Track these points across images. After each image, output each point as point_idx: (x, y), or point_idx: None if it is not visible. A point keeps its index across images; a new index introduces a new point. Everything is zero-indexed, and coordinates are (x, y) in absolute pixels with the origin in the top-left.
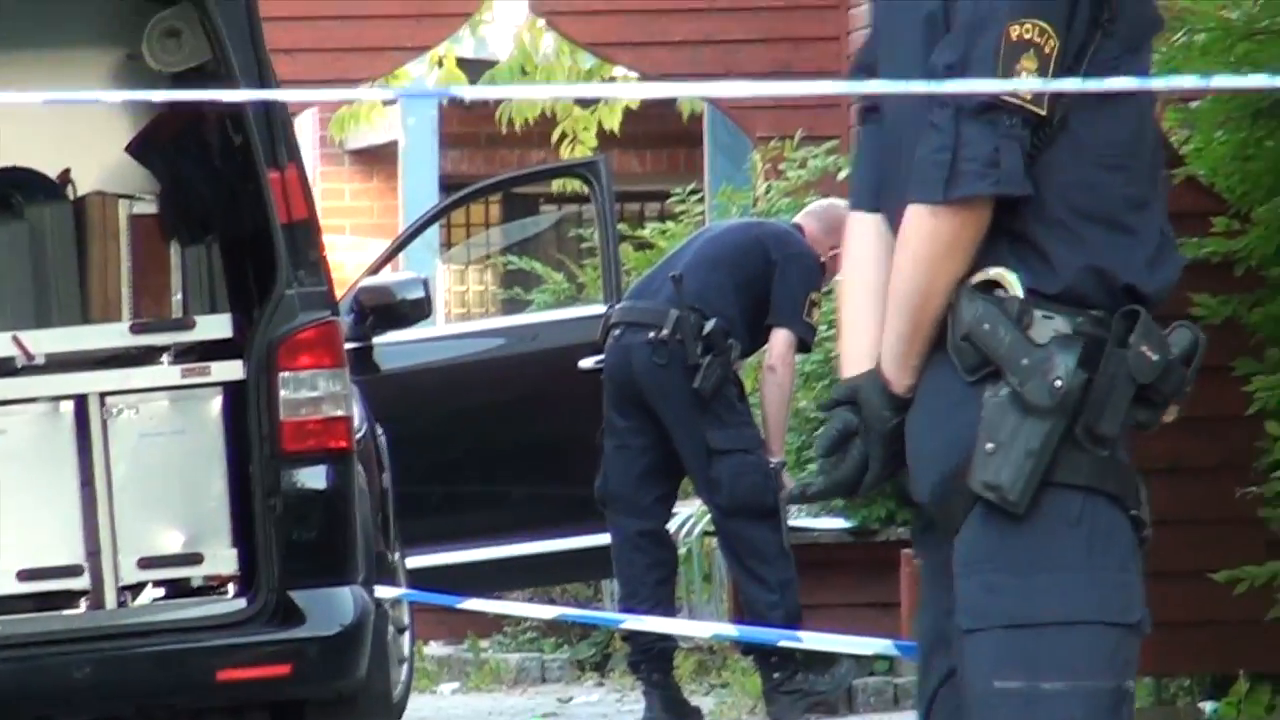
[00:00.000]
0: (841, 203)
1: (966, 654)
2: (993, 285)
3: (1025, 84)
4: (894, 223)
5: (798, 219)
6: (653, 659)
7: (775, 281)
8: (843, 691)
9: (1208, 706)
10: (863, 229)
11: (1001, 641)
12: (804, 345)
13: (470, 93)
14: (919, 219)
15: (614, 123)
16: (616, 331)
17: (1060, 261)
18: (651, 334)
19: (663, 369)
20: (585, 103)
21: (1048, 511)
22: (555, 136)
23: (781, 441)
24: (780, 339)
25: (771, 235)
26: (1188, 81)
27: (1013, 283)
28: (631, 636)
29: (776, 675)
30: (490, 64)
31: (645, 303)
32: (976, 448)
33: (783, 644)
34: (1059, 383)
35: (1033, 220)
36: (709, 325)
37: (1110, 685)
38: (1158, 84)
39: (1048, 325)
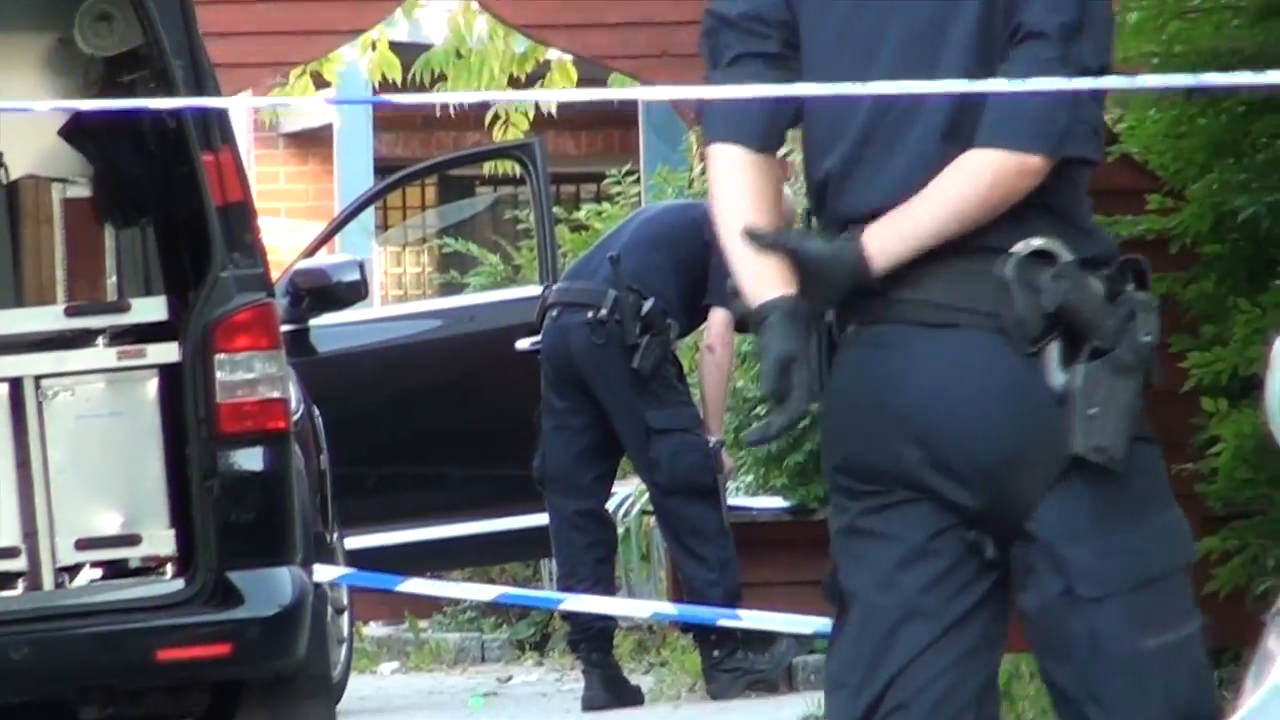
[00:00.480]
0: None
1: (1096, 620)
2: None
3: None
4: (818, 156)
5: None
6: (592, 638)
7: (712, 261)
8: (783, 669)
9: None
10: (732, 161)
11: (1133, 603)
12: (742, 325)
13: (405, 99)
14: (1009, 163)
15: (550, 105)
16: (554, 312)
17: (1094, 228)
18: (590, 314)
19: (601, 349)
20: (520, 85)
21: (1137, 466)
22: (489, 119)
23: (720, 420)
24: (718, 318)
25: (707, 215)
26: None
27: (1065, 252)
28: (571, 616)
29: (716, 653)
30: (424, 47)
31: (583, 283)
32: (1073, 416)
33: (722, 623)
34: (1148, 338)
35: (1067, 190)
36: (647, 305)
37: (1202, 619)
38: (1152, 81)
39: (1102, 288)
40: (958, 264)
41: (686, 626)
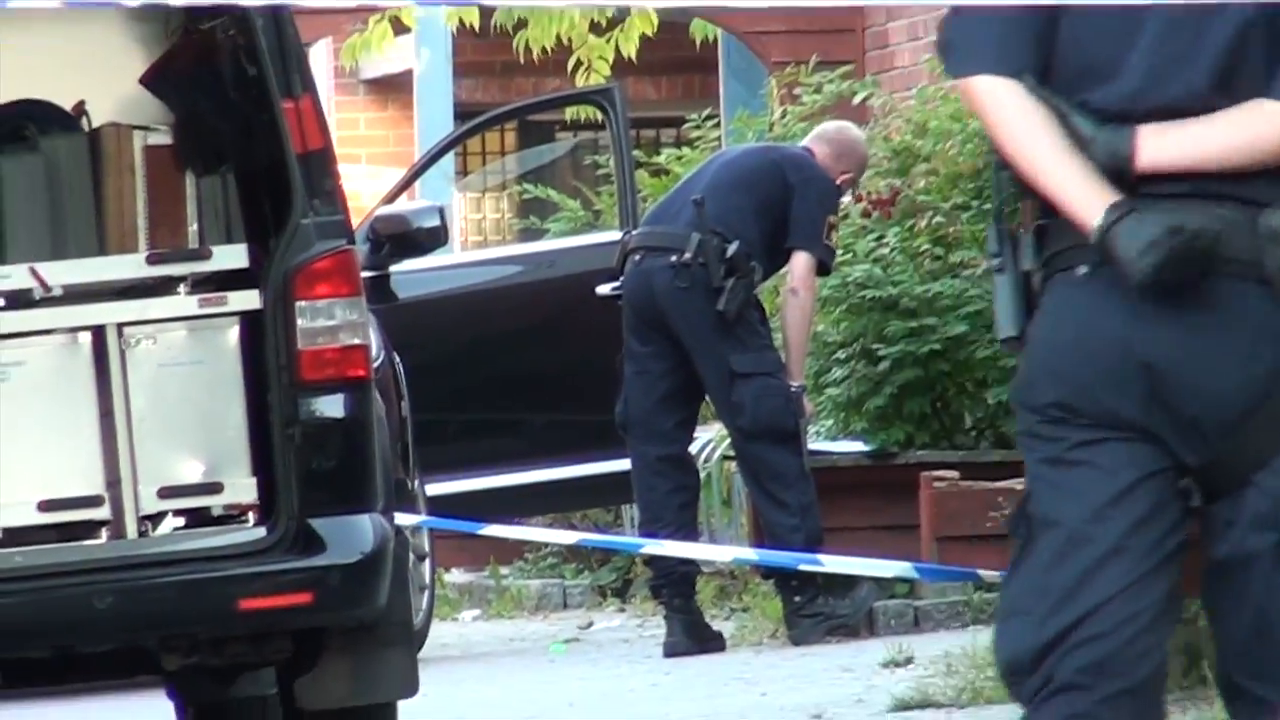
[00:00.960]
0: (851, 125)
1: None
2: None
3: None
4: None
5: (807, 142)
6: (674, 584)
7: (794, 204)
8: (863, 615)
9: None
10: (1012, 94)
11: None
12: (824, 268)
13: (493, 1)
14: None
15: (631, 49)
16: (636, 257)
17: None
18: (674, 258)
19: (685, 292)
20: (600, 30)
21: None
22: (570, 64)
23: (802, 365)
24: (801, 261)
25: (789, 159)
26: None
27: None
28: (652, 561)
29: (797, 599)
30: None
31: (665, 227)
32: None
33: (803, 568)
34: None
35: None
36: (731, 248)
37: None
38: None
39: None
40: (1218, 212)
41: (768, 572)
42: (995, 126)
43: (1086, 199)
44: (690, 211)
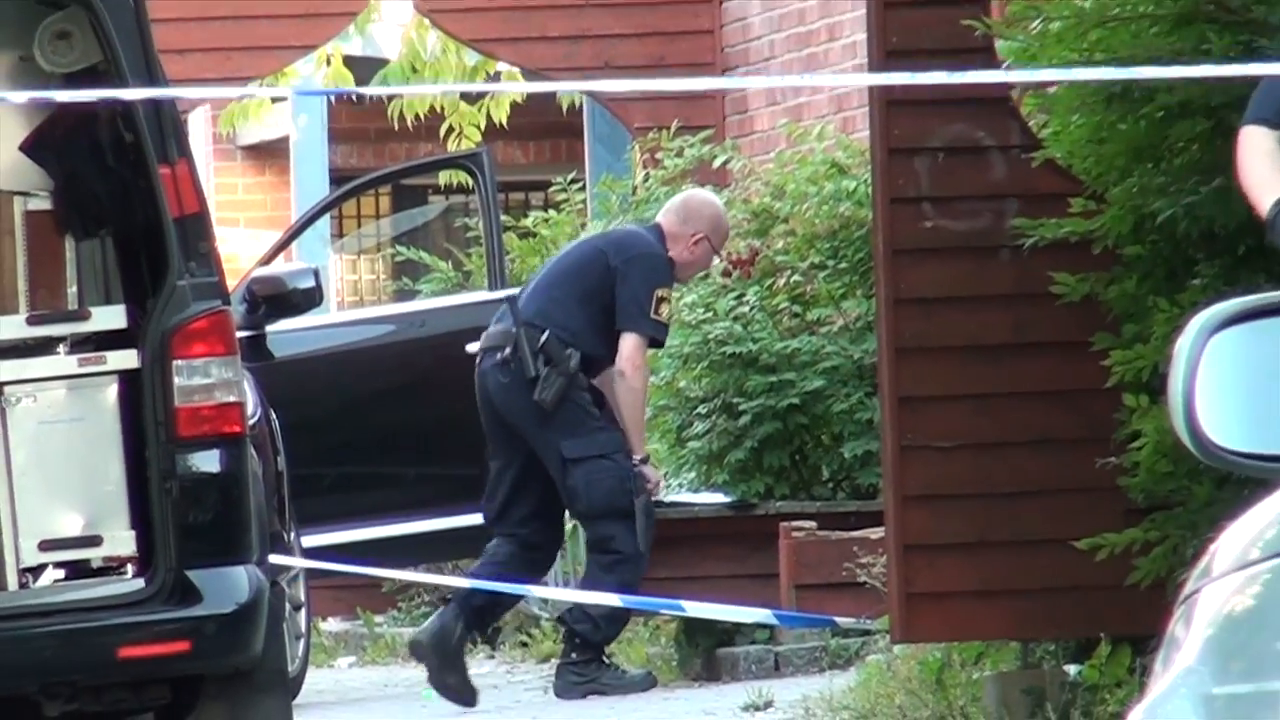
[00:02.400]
0: (697, 190)
1: None
2: None
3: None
4: None
5: (658, 218)
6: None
7: (617, 287)
8: (623, 688)
9: (1072, 669)
10: (1258, 135)
11: None
12: (656, 343)
13: (366, 90)
14: None
15: (501, 115)
16: (479, 360)
17: None
18: (498, 355)
19: (507, 386)
20: (472, 99)
21: None
22: (443, 130)
23: (641, 440)
24: (628, 343)
25: (612, 243)
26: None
27: None
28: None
29: (574, 655)
30: (379, 62)
31: (495, 327)
32: None
33: (668, 614)
34: None
35: None
36: (543, 338)
37: None
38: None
39: None
40: None
41: (563, 618)
42: (1238, 158)
43: (1263, 198)
44: (509, 310)
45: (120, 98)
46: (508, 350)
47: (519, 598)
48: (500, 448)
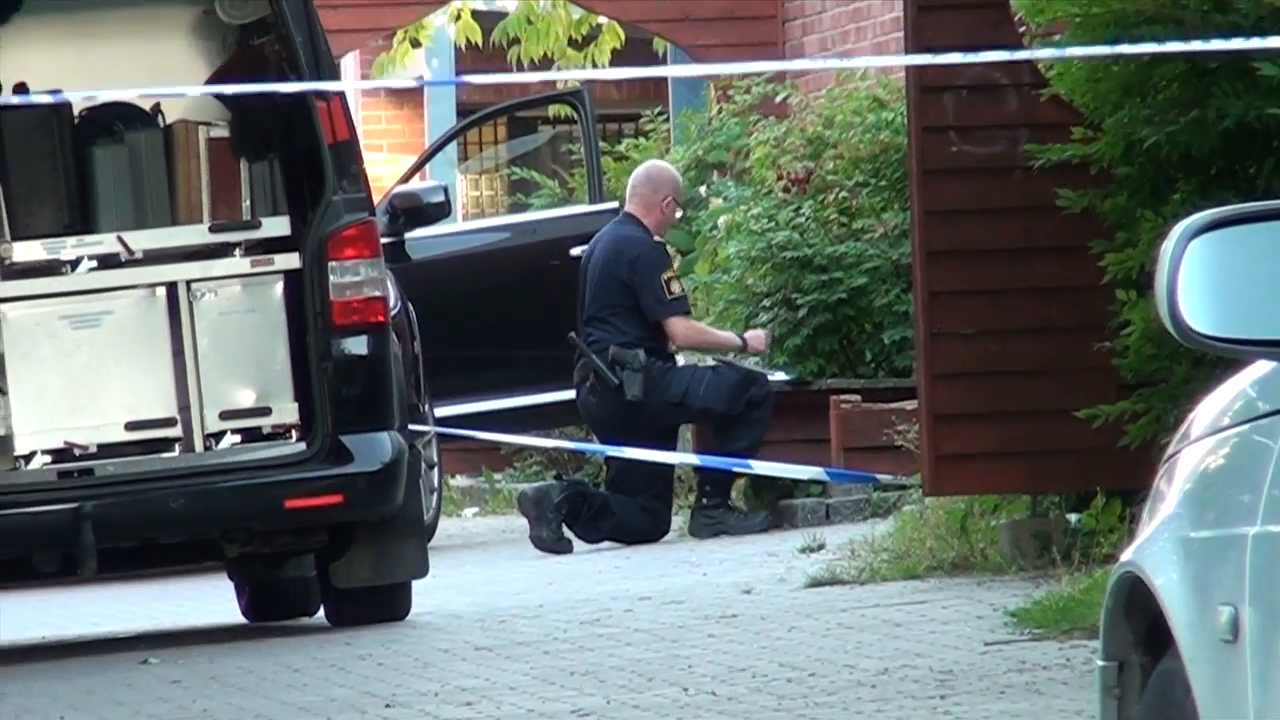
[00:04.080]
0: (655, 161)
1: None
2: None
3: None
4: None
5: (630, 208)
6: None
7: (637, 291)
8: (748, 530)
9: (1073, 517)
10: None
11: None
12: (684, 312)
13: (478, 80)
14: None
15: (604, 59)
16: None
17: None
18: (587, 384)
19: (600, 402)
20: (579, 45)
21: None
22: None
23: (726, 340)
24: (667, 328)
25: (612, 259)
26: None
27: None
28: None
29: (704, 501)
30: (500, 15)
31: (576, 366)
32: None
33: (737, 470)
34: None
35: None
36: (610, 353)
37: None
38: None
39: None
40: None
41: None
42: None
43: None
44: (583, 343)
45: (320, 88)
46: (591, 377)
47: (619, 514)
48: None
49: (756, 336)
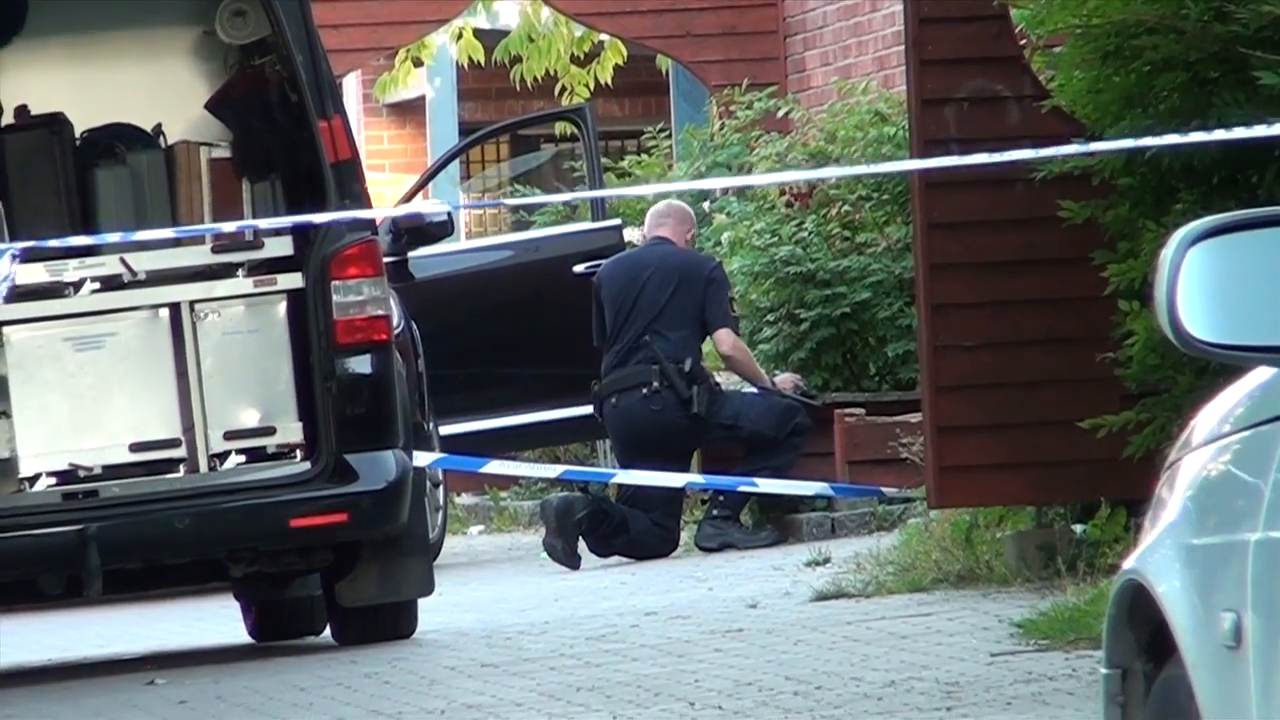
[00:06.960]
0: (673, 200)
1: None
2: None
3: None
4: None
5: (662, 233)
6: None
7: (707, 305)
8: (754, 545)
9: (1078, 528)
10: None
11: None
12: (738, 332)
13: (514, 203)
14: None
15: (606, 76)
16: (613, 400)
17: None
18: (643, 391)
19: (660, 413)
20: (581, 62)
21: None
22: (557, 89)
23: (762, 374)
24: (729, 338)
25: (687, 279)
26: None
27: None
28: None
29: (714, 512)
30: (501, 33)
31: (625, 370)
32: None
33: (742, 489)
34: None
35: None
36: (688, 367)
37: None
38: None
39: None
40: None
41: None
42: None
43: None
44: (644, 351)
45: (315, 223)
46: (654, 384)
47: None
48: (632, 460)
49: (786, 380)
